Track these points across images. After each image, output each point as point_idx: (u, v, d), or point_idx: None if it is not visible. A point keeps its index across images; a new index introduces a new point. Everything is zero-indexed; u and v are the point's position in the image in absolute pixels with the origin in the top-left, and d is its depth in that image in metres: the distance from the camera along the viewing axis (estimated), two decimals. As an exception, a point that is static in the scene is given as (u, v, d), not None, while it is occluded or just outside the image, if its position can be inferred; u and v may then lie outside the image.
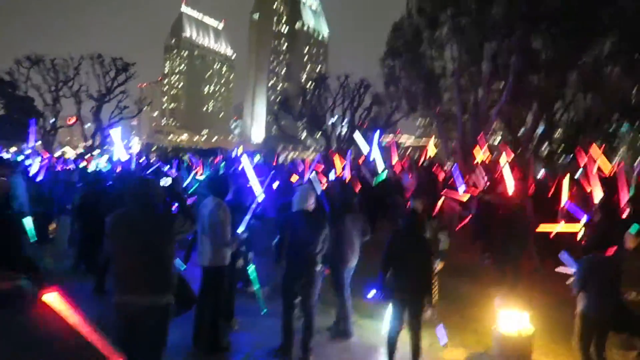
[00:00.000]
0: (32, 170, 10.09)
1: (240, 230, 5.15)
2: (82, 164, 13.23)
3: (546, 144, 27.87)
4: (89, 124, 37.45)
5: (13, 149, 24.43)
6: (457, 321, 6.33)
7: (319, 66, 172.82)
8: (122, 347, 2.27)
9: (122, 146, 10.84)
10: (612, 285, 4.58)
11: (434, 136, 23.60)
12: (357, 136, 13.72)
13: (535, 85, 22.86)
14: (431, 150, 15.41)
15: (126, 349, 2.37)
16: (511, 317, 5.31)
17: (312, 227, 4.90)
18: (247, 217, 5.17)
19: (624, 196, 7.05)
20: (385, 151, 15.44)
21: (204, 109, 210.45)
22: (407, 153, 32.14)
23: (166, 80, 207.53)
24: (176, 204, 4.06)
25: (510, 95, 22.49)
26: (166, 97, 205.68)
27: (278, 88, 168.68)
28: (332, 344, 5.61)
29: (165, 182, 7.76)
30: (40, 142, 29.42)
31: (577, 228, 6.85)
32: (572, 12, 18.45)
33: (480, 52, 22.67)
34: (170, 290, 3.43)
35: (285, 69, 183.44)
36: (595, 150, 9.15)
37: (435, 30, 23.54)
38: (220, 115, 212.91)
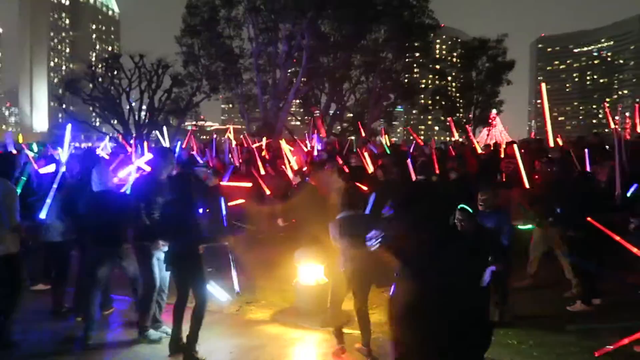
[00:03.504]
0: None
1: (42, 215, 4.83)
2: None
3: (337, 122, 30.61)
4: None
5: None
6: (263, 283, 6.59)
7: (111, 45, 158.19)
8: None
9: None
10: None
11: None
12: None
13: (326, 66, 24.74)
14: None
15: None
16: (309, 270, 5.72)
17: None
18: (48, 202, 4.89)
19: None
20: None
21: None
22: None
23: None
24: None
25: (305, 75, 23.95)
26: None
27: (63, 69, 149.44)
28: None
29: None
30: None
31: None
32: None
33: (276, 34, 23.54)
34: None
35: (69, 47, 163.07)
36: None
37: (232, 9, 23.59)
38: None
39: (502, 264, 4.09)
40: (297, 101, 29.47)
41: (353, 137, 30.79)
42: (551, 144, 7.74)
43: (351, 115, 30.44)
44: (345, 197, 4.74)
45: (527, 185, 6.81)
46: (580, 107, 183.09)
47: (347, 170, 7.91)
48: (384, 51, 26.16)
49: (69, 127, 6.65)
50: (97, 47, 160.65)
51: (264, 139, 12.94)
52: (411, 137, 26.11)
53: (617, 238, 4.41)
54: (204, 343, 4.82)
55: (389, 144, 12.35)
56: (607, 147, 9.90)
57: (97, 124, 46.04)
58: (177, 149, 10.81)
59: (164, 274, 5.00)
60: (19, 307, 4.90)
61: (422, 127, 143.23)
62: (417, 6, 25.66)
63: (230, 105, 32.71)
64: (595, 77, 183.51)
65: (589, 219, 4.75)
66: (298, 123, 33.92)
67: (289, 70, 25.42)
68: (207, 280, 4.78)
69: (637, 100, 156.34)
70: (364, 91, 29.10)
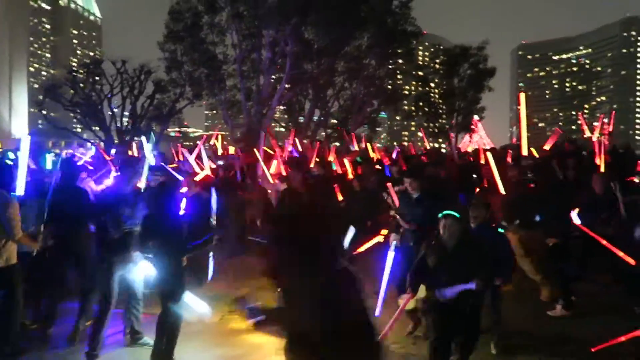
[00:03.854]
0: None
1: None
2: None
3: (321, 129, 30.71)
4: None
5: None
6: (246, 292, 6.56)
7: (92, 51, 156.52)
8: None
9: None
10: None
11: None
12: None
13: (310, 72, 24.81)
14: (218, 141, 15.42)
15: None
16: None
17: None
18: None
19: None
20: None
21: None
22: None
23: None
24: None
25: (289, 82, 23.96)
26: None
27: (43, 74, 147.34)
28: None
29: None
30: None
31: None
32: (336, 4, 20.53)
33: (260, 40, 23.53)
34: None
35: (50, 52, 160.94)
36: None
37: (215, 15, 23.54)
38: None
39: (484, 281, 3.93)
40: (281, 107, 29.48)
41: (338, 144, 30.99)
42: (524, 152, 7.90)
43: (335, 121, 30.52)
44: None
45: (502, 192, 6.90)
46: (560, 114, 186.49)
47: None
48: (367, 58, 26.35)
49: (25, 138, 6.42)
50: (78, 52, 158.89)
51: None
52: (395, 144, 26.39)
53: (604, 242, 4.51)
54: (185, 354, 4.76)
55: (374, 151, 12.38)
56: (584, 152, 10.12)
57: (79, 130, 45.41)
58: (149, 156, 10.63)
59: (139, 285, 4.94)
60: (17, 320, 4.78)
61: (406, 133, 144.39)
62: (399, 13, 25.90)
63: (214, 112, 32.61)
64: (574, 83, 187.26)
65: (579, 224, 4.87)
66: (282, 129, 33.85)
67: (273, 77, 25.39)
68: (185, 294, 4.68)
69: (615, 106, 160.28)
70: (347, 97, 29.25)
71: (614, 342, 4.01)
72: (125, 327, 5.19)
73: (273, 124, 33.69)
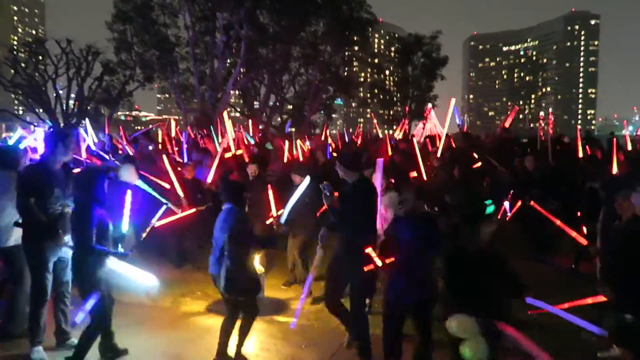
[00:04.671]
0: None
1: None
2: None
3: (277, 114, 30.55)
4: None
5: None
6: (197, 275, 6.54)
7: (34, 29, 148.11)
8: None
9: None
10: None
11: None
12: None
13: (265, 57, 24.56)
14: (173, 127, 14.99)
15: None
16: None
17: None
18: None
19: None
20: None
21: None
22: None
23: None
24: None
25: (244, 66, 23.65)
26: None
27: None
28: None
29: None
30: None
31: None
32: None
33: (214, 23, 23.06)
34: None
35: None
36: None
37: (167, -5, 22.88)
38: None
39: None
40: (236, 92, 29.12)
41: (293, 129, 30.93)
42: (439, 154, 8.19)
43: (291, 107, 30.42)
44: None
45: (425, 179, 7.18)
46: (509, 103, 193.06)
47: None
48: (323, 44, 26.35)
49: None
50: (20, 31, 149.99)
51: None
52: (350, 130, 26.60)
53: (558, 222, 4.70)
54: (137, 338, 4.72)
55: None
56: (523, 140, 10.65)
57: (20, 112, 43.11)
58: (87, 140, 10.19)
59: (67, 277, 4.48)
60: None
61: (361, 120, 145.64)
62: (355, 1, 26.01)
63: (167, 95, 31.71)
64: (522, 74, 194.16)
65: (532, 203, 5.10)
66: (237, 115, 33.37)
67: (228, 61, 24.98)
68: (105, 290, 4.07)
69: (559, 97, 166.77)
70: (303, 83, 29.19)
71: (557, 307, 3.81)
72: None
73: (228, 109, 33.26)
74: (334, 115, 36.46)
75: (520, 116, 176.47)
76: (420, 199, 4.19)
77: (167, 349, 4.68)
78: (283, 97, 29.25)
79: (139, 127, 60.31)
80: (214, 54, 23.55)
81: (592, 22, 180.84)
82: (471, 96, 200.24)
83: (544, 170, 7.50)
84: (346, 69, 31.22)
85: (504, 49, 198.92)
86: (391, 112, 35.77)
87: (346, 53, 29.16)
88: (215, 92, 23.81)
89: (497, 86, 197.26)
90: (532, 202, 5.55)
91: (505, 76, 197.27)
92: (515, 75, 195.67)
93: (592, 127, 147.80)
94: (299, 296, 6.01)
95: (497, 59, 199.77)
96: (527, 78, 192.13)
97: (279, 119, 31.65)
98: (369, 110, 53.45)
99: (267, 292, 5.95)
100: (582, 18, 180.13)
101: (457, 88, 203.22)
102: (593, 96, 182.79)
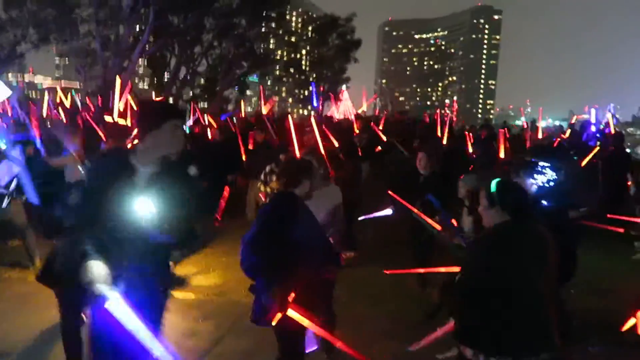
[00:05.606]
0: None
1: None
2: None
3: (188, 88, 29.47)
4: None
5: None
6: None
7: None
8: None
9: None
10: None
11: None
12: None
13: (176, 26, 23.46)
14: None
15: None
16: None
17: None
18: None
19: None
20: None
21: None
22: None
23: None
24: None
25: (152, 34, 22.43)
26: None
27: None
28: None
29: None
30: None
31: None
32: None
33: (120, -16, 21.53)
34: None
35: None
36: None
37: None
38: None
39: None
40: (145, 62, 27.65)
41: (206, 104, 30.04)
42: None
43: (203, 81, 29.46)
44: None
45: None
46: (418, 90, 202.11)
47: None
48: (238, 17, 25.67)
49: None
50: None
51: None
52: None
53: (415, 210, 4.46)
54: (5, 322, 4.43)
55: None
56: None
57: None
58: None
59: None
60: None
61: (277, 98, 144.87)
62: (272, -26, 25.57)
63: (66, 60, 29.16)
64: (431, 63, 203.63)
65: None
66: (146, 87, 31.73)
67: (136, 28, 23.53)
68: None
69: (463, 86, 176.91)
70: (216, 57, 28.32)
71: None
72: None
73: (136, 80, 31.48)
74: (248, 92, 35.94)
75: (428, 102, 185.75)
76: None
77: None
78: (195, 70, 28.20)
79: (34, 93, 55.11)
80: (120, 19, 22.03)
81: (496, 16, 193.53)
82: (384, 81, 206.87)
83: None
84: (262, 45, 30.75)
85: (416, 36, 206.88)
86: (305, 92, 35.98)
87: (262, 29, 28.67)
88: (121, 59, 22.37)
89: (408, 72, 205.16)
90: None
91: (416, 63, 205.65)
92: (425, 63, 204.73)
93: (491, 117, 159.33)
94: (199, 271, 6.01)
95: (409, 46, 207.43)
96: (436, 66, 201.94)
97: (190, 93, 30.54)
98: (284, 88, 53.27)
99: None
100: (486, 12, 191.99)
101: (371, 72, 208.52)
102: (493, 87, 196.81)
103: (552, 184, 4.17)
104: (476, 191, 3.71)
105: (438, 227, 4.27)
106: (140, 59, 26.12)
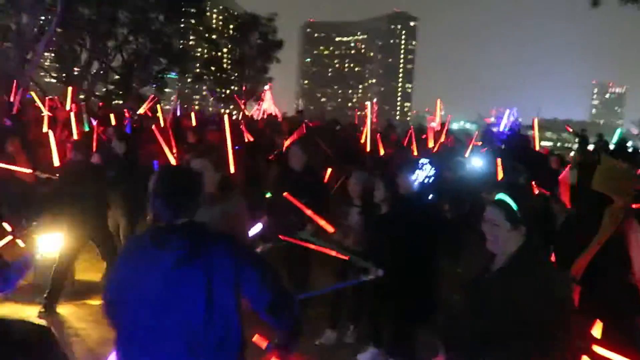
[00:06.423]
0: None
1: None
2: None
3: (101, 83, 27.89)
4: None
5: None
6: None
7: None
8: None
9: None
10: None
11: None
12: None
13: (87, 18, 22.17)
14: None
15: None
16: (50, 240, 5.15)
17: None
18: None
19: None
20: None
21: None
22: None
23: None
24: None
25: (60, 26, 20.96)
26: None
27: None
28: None
29: None
30: None
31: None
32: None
33: (21, -30, 19.86)
34: None
35: None
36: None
37: None
38: None
39: None
40: (51, 55, 25.80)
41: (121, 102, 28.49)
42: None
43: (118, 77, 27.95)
44: None
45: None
46: (339, 91, 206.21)
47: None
48: (154, 11, 24.67)
49: None
50: None
51: None
52: (185, 107, 25.52)
53: (309, 212, 4.23)
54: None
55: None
56: (338, 127, 11.57)
57: None
58: None
59: None
60: None
61: (197, 97, 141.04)
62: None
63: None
64: (351, 65, 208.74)
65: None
66: (54, 80, 29.35)
67: (41, 19, 21.82)
68: None
69: (382, 89, 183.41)
70: (132, 52, 27.02)
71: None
72: None
73: (41, 74, 29.24)
74: (167, 90, 34.62)
75: (349, 104, 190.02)
76: None
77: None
78: (108, 65, 26.70)
79: None
80: (22, 7, 20.32)
81: (412, 23, 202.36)
82: (306, 81, 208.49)
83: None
84: (180, 41, 29.77)
85: (337, 39, 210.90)
86: (227, 91, 35.32)
87: (181, 25, 27.77)
88: (24, 51, 20.66)
89: (329, 74, 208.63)
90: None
91: (337, 65, 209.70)
92: (346, 65, 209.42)
93: (408, 119, 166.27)
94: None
95: (331, 48, 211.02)
96: (356, 69, 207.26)
97: (103, 89, 28.87)
98: (205, 87, 51.99)
99: (78, 275, 5.48)
100: (402, 19, 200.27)
101: (292, 72, 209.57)
102: (409, 91, 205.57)
103: (432, 179, 4.45)
104: (370, 189, 3.90)
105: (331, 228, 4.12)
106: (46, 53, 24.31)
